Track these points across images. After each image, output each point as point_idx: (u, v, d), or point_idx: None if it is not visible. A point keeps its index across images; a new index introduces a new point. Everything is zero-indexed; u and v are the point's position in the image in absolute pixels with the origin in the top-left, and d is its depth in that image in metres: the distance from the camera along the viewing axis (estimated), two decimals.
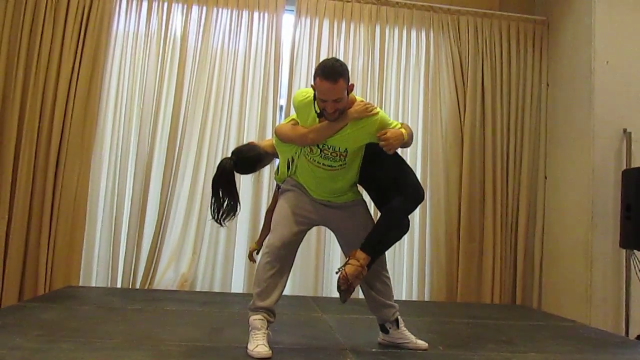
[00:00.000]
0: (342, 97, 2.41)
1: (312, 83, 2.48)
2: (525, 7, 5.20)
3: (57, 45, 4.31)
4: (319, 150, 2.54)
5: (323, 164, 2.56)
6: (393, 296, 2.78)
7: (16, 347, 2.32)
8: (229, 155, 2.76)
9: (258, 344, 2.42)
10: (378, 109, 2.54)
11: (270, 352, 2.42)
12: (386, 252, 2.77)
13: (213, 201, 2.65)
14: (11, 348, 2.30)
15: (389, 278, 2.76)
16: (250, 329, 2.50)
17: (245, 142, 4.45)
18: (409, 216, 2.76)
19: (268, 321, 2.53)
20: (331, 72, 2.37)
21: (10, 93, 4.23)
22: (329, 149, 2.53)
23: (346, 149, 2.53)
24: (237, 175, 2.69)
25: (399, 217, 2.63)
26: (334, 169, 2.57)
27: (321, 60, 4.61)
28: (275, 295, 2.55)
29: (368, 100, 4.60)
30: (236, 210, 2.68)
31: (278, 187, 2.82)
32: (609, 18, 4.35)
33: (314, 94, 2.47)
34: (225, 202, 2.64)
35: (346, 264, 2.52)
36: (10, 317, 2.95)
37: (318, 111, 2.48)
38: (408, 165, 2.75)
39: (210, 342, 2.67)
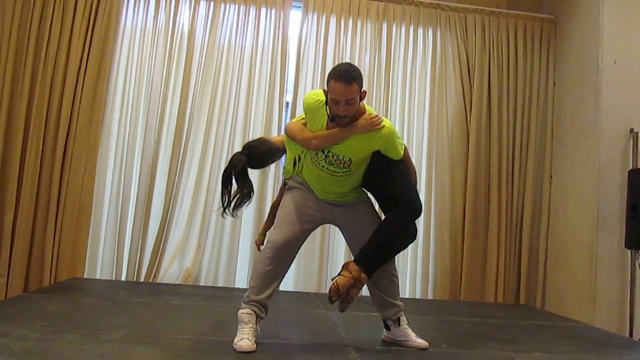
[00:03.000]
0: (354, 100, 2.42)
1: (325, 87, 2.48)
2: (532, 5, 5.18)
3: (65, 38, 4.33)
4: (323, 155, 2.57)
5: (327, 169, 2.59)
6: (399, 295, 2.78)
7: (22, 337, 2.34)
8: (237, 149, 2.77)
9: (242, 338, 2.43)
10: (385, 123, 2.54)
11: (254, 346, 2.42)
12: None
13: (222, 193, 2.66)
14: (17, 338, 2.32)
15: (396, 276, 2.76)
16: (238, 322, 2.52)
17: (250, 138, 4.49)
18: (416, 222, 2.77)
19: (258, 316, 2.54)
20: (346, 74, 2.40)
21: (18, 87, 4.26)
22: (333, 156, 2.55)
23: (350, 158, 2.55)
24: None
25: (393, 231, 2.61)
26: (338, 174, 2.59)
27: (328, 57, 4.70)
28: (269, 291, 2.56)
29: (374, 100, 4.69)
30: (250, 199, 2.70)
31: (284, 182, 2.83)
32: (616, 17, 4.33)
33: (326, 99, 2.47)
34: (236, 196, 2.65)
35: (339, 274, 2.55)
36: (15, 307, 2.97)
37: (330, 115, 2.48)
38: (410, 178, 2.72)
39: (214, 337, 2.68)
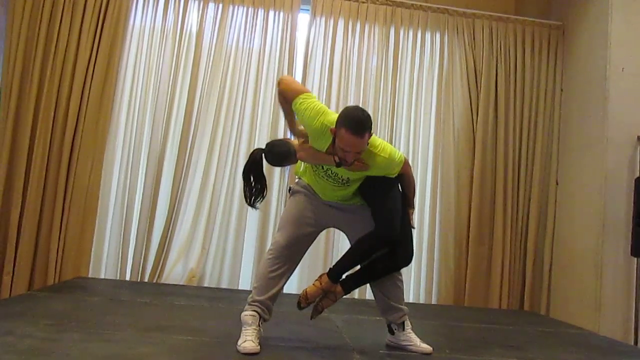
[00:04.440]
0: (364, 149, 2.40)
1: (333, 127, 2.38)
2: (541, 11, 5.18)
3: (74, 38, 4.35)
4: (323, 171, 2.60)
5: (327, 179, 2.62)
6: (403, 299, 2.78)
7: (27, 335, 2.35)
8: (243, 151, 2.85)
9: (246, 339, 2.44)
10: (383, 153, 2.51)
11: (258, 347, 2.43)
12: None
13: (244, 187, 2.74)
14: (22, 336, 2.33)
15: (401, 281, 2.76)
16: (242, 324, 2.53)
17: (257, 140, 4.54)
18: (415, 247, 2.83)
19: (261, 317, 2.55)
20: (360, 126, 2.32)
21: (26, 85, 4.28)
22: (332, 172, 2.58)
23: (348, 177, 2.58)
24: None
25: (365, 250, 2.63)
26: (337, 184, 2.62)
27: (335, 60, 4.69)
28: (273, 292, 2.58)
29: (381, 104, 4.70)
30: (264, 194, 2.76)
31: (289, 188, 2.88)
32: (625, 25, 4.31)
33: (333, 138, 2.41)
34: (255, 188, 2.72)
35: (313, 283, 2.65)
36: (20, 305, 2.98)
37: (336, 159, 2.41)
38: (397, 202, 2.66)
39: (218, 338, 2.68)
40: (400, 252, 2.68)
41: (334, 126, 2.38)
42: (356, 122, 2.33)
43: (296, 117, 2.62)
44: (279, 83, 2.62)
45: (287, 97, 2.56)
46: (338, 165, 2.44)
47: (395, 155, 2.56)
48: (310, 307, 2.68)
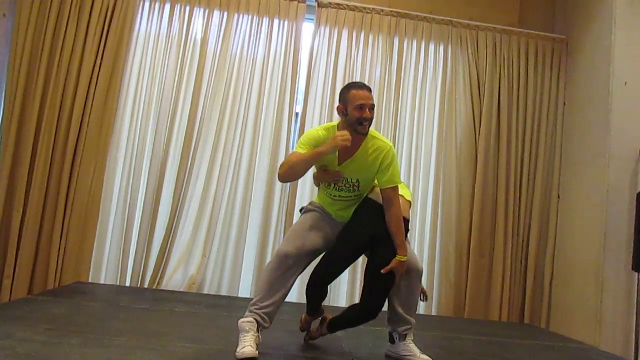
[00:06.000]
0: (374, 106, 2.66)
1: (340, 104, 2.67)
2: (544, 25, 5.20)
3: (79, 44, 4.38)
4: (333, 185, 2.67)
5: (340, 196, 2.69)
6: (415, 309, 2.78)
7: (26, 340, 2.35)
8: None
9: (245, 345, 2.44)
10: (389, 143, 2.71)
11: (257, 352, 2.42)
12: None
13: None
14: (21, 340, 2.33)
15: (418, 292, 2.76)
16: (239, 331, 2.52)
17: (259, 147, 4.55)
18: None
19: (260, 325, 2.55)
20: (364, 84, 2.71)
21: (31, 90, 4.29)
22: (342, 181, 2.64)
23: (357, 179, 2.64)
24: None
25: (310, 285, 2.69)
26: (350, 199, 2.69)
27: (338, 69, 4.72)
28: (272, 300, 2.58)
29: (384, 114, 4.71)
30: None
31: (301, 208, 2.94)
32: (628, 39, 4.33)
33: (345, 110, 2.62)
34: None
35: None
36: (20, 309, 2.98)
37: (357, 120, 2.57)
38: (354, 241, 2.63)
39: (217, 345, 2.68)
40: (366, 302, 2.62)
41: (339, 104, 2.68)
42: (360, 82, 2.86)
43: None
44: (281, 168, 2.63)
45: (293, 153, 2.62)
46: (359, 123, 2.56)
47: (394, 150, 2.69)
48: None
